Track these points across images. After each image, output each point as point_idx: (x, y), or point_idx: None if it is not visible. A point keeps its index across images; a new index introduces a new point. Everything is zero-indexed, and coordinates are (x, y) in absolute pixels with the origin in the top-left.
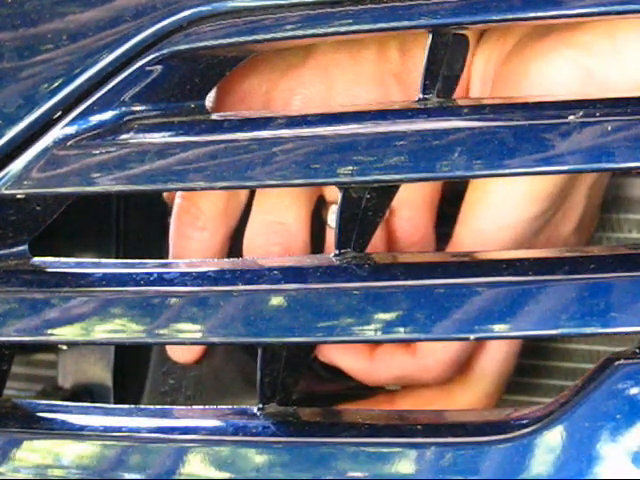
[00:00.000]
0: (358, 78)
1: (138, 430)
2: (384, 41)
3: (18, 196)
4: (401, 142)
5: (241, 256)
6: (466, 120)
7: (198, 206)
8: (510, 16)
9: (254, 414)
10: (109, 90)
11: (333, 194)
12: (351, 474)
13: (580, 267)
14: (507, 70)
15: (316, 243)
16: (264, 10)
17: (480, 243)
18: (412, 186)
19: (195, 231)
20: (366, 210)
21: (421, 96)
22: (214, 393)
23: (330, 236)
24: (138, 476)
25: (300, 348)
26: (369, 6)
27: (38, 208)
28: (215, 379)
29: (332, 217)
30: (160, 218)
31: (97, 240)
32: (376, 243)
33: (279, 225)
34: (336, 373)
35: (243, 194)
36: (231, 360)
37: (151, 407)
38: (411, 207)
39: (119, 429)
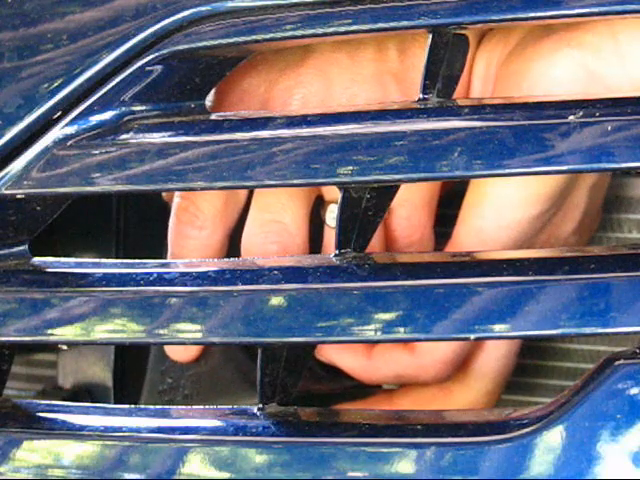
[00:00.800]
0: (356, 77)
1: (138, 430)
2: (383, 40)
3: (18, 196)
4: (401, 142)
5: (240, 255)
6: (466, 120)
7: (197, 205)
8: (510, 16)
9: (254, 414)
10: (109, 90)
11: (331, 193)
12: (351, 474)
13: (580, 267)
14: (509, 70)
15: (314, 242)
16: (264, 10)
17: (480, 243)
18: (410, 185)
19: (194, 230)
20: (366, 210)
21: (421, 96)
22: (212, 392)
23: (328, 235)
24: (138, 476)
25: (300, 348)
26: (369, 6)
27: (38, 208)
28: (213, 378)
29: (330, 216)
30: (160, 218)
31: (97, 240)
32: (374, 242)
33: (277, 224)
34: (333, 372)
35: (242, 193)
36: (229, 359)
37: (151, 407)
38: (409, 206)
39: (119, 429)
